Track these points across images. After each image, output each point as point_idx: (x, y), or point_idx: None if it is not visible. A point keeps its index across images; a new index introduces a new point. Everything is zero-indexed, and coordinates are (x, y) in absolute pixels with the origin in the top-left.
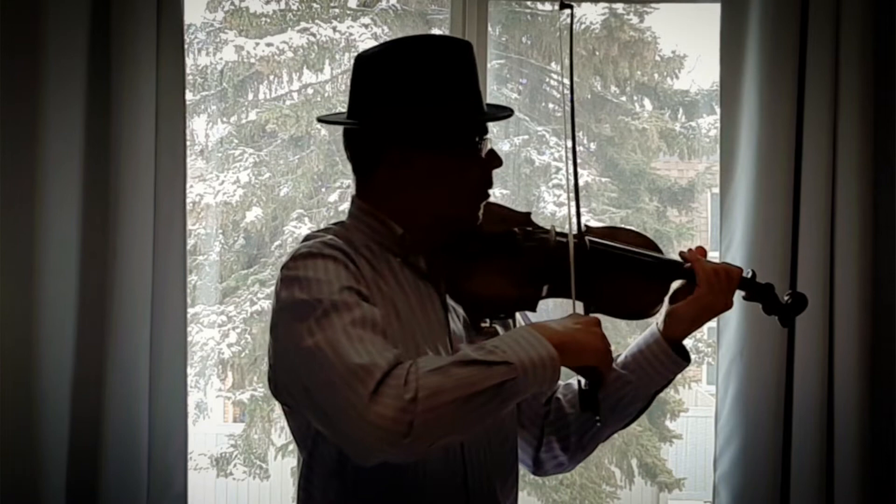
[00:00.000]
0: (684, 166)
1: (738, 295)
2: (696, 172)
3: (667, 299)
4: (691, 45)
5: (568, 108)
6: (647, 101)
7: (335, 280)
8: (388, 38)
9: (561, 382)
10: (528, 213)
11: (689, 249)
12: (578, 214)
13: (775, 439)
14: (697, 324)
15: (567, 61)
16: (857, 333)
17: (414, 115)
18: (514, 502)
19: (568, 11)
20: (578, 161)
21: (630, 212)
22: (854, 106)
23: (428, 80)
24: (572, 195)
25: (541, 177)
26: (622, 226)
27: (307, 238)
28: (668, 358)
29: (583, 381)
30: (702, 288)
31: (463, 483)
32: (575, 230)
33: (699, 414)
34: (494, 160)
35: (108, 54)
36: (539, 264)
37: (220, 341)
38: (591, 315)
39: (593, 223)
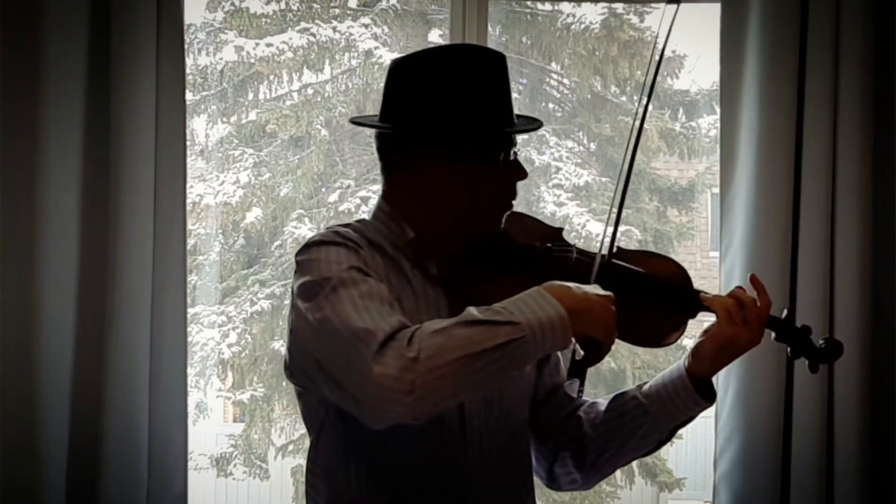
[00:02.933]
0: (684, 166)
1: (769, 334)
2: (696, 172)
3: (696, 334)
4: (691, 45)
5: (638, 116)
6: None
7: (344, 261)
8: (388, 38)
9: (588, 398)
10: (560, 229)
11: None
12: (614, 236)
13: (775, 439)
14: (720, 361)
15: (658, 56)
16: (857, 333)
17: (444, 122)
18: (530, 497)
19: (675, 7)
20: (579, 161)
21: (630, 212)
22: (854, 106)
23: (461, 88)
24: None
25: (541, 177)
26: (658, 253)
27: (338, 226)
28: (689, 395)
29: (578, 350)
30: (720, 322)
31: (464, 469)
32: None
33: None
34: (520, 172)
35: (108, 54)
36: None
37: (220, 341)
38: (612, 296)
39: (627, 246)
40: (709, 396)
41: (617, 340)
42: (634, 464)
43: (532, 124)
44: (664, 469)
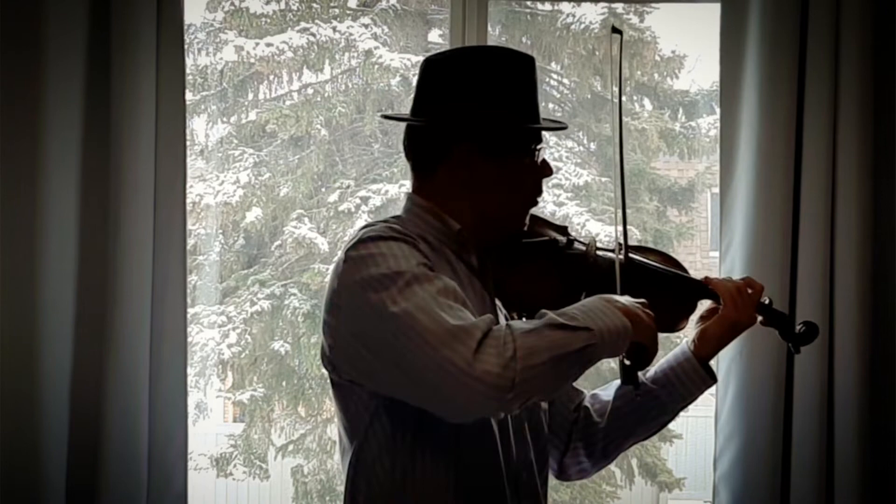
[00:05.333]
0: (684, 166)
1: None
2: (696, 172)
3: (693, 318)
4: (691, 45)
5: (617, 130)
6: (647, 101)
7: (411, 257)
8: (388, 38)
9: (587, 392)
10: (565, 227)
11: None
12: (626, 229)
13: (775, 439)
14: (724, 341)
15: (616, 88)
16: (857, 333)
17: (482, 117)
18: (546, 494)
19: (618, 36)
20: (578, 161)
21: (630, 212)
22: (854, 106)
23: (497, 86)
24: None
25: None
26: (651, 247)
27: (366, 226)
28: (698, 376)
29: (625, 358)
30: (727, 306)
31: (507, 471)
32: (622, 243)
33: (699, 414)
34: (547, 169)
35: (107, 54)
36: (578, 273)
37: (220, 341)
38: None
39: (644, 240)
40: (713, 375)
41: None
42: (634, 464)
43: (559, 123)
44: (664, 469)
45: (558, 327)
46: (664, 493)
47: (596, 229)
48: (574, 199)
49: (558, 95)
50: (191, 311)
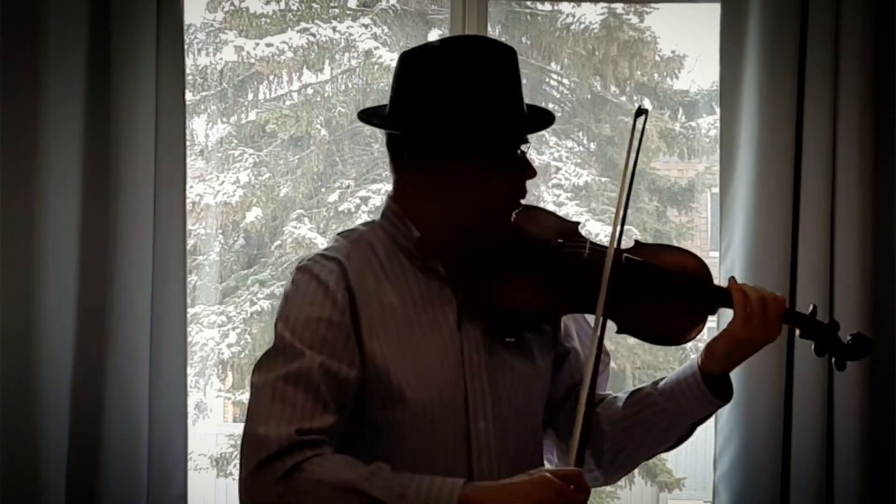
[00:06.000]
0: (684, 166)
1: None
2: (696, 172)
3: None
4: (691, 45)
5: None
6: (647, 102)
7: (306, 307)
8: (388, 38)
9: (611, 394)
10: (577, 223)
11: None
12: (622, 230)
13: (775, 439)
14: (735, 358)
15: (632, 164)
16: None
17: (451, 120)
18: None
19: (642, 118)
20: (578, 161)
21: (630, 212)
22: (854, 106)
23: (469, 84)
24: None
25: (541, 177)
26: (676, 245)
27: (339, 237)
28: (702, 394)
29: None
30: (736, 319)
31: (468, 470)
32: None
33: None
34: (528, 171)
35: (107, 54)
36: (569, 278)
37: (220, 341)
38: (553, 482)
39: (644, 239)
40: (724, 394)
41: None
42: None
43: (542, 119)
44: (664, 469)
45: (356, 493)
46: (664, 493)
47: (596, 229)
48: (574, 199)
49: (558, 95)
50: (191, 311)
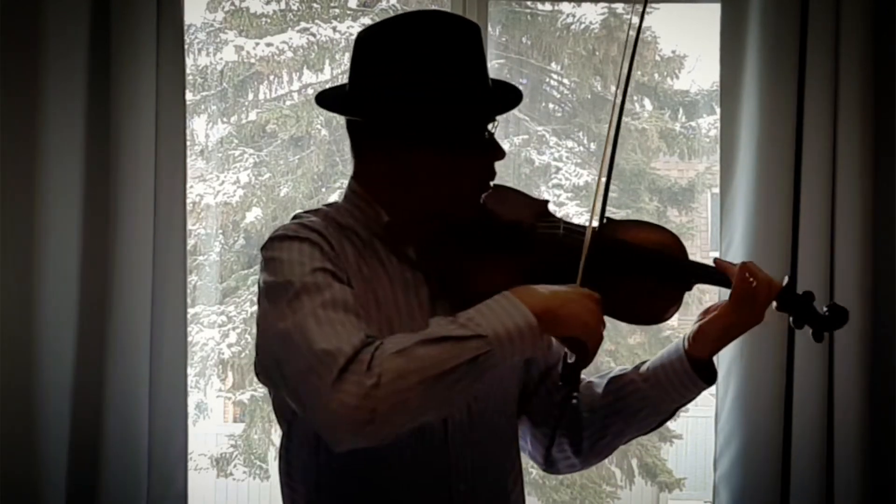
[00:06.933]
0: (684, 166)
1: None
2: (696, 172)
3: (697, 313)
4: (691, 45)
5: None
6: (647, 101)
7: (307, 261)
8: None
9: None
10: (546, 202)
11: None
12: (605, 204)
13: (775, 439)
14: (724, 341)
15: (626, 70)
16: (858, 333)
17: (415, 102)
18: (519, 495)
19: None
20: (578, 161)
21: (630, 212)
22: (854, 106)
23: (432, 64)
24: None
25: (541, 177)
26: (651, 222)
27: (294, 218)
28: (689, 378)
29: (569, 353)
30: (729, 302)
31: (445, 466)
32: (595, 223)
33: (699, 414)
34: (497, 152)
35: (108, 54)
36: (544, 260)
37: (220, 341)
38: (593, 293)
39: (616, 216)
40: (709, 377)
41: (615, 321)
42: (634, 464)
43: (509, 94)
44: (664, 469)
45: (440, 340)
46: (664, 494)
47: None
48: (574, 199)
49: (558, 95)
50: (191, 311)
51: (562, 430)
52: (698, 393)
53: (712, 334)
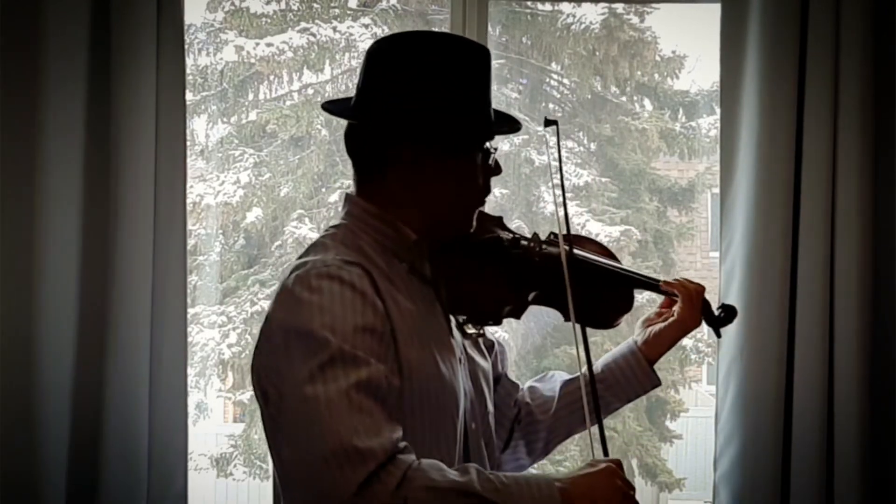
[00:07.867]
0: (684, 166)
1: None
2: (696, 172)
3: (641, 318)
4: (691, 45)
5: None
6: (647, 102)
7: (350, 316)
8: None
9: (522, 385)
10: (500, 217)
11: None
12: (568, 225)
13: (775, 439)
14: (673, 344)
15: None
16: (857, 333)
17: (432, 116)
18: None
19: (553, 128)
20: (579, 161)
21: (630, 212)
22: (854, 106)
23: (449, 82)
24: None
25: (541, 177)
26: (589, 236)
27: (315, 246)
28: (648, 379)
29: None
30: (684, 311)
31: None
32: (564, 239)
33: (699, 414)
34: (496, 168)
35: (108, 54)
36: (526, 272)
37: (221, 342)
38: (618, 469)
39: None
40: (657, 377)
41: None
42: (634, 464)
43: (513, 123)
44: (664, 469)
45: (471, 496)
46: (664, 494)
47: (596, 229)
48: (574, 200)
49: (558, 95)
50: (191, 311)
51: (518, 434)
52: (649, 390)
53: (670, 337)
